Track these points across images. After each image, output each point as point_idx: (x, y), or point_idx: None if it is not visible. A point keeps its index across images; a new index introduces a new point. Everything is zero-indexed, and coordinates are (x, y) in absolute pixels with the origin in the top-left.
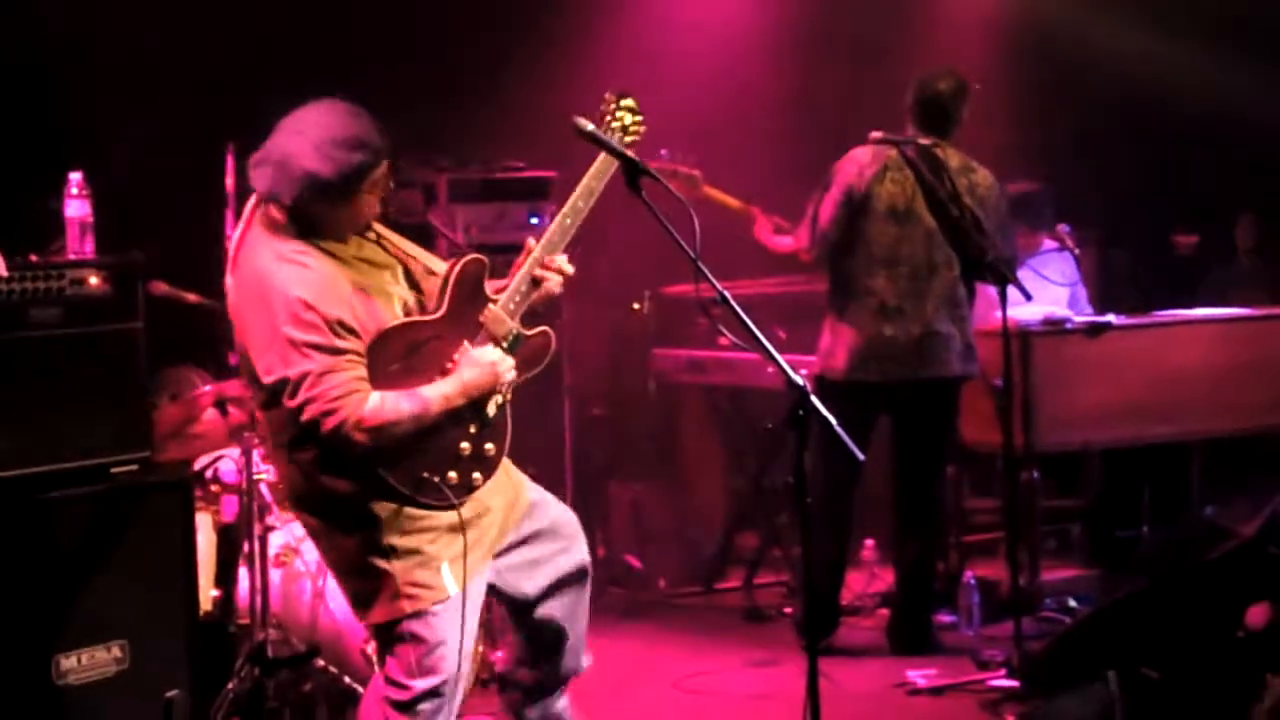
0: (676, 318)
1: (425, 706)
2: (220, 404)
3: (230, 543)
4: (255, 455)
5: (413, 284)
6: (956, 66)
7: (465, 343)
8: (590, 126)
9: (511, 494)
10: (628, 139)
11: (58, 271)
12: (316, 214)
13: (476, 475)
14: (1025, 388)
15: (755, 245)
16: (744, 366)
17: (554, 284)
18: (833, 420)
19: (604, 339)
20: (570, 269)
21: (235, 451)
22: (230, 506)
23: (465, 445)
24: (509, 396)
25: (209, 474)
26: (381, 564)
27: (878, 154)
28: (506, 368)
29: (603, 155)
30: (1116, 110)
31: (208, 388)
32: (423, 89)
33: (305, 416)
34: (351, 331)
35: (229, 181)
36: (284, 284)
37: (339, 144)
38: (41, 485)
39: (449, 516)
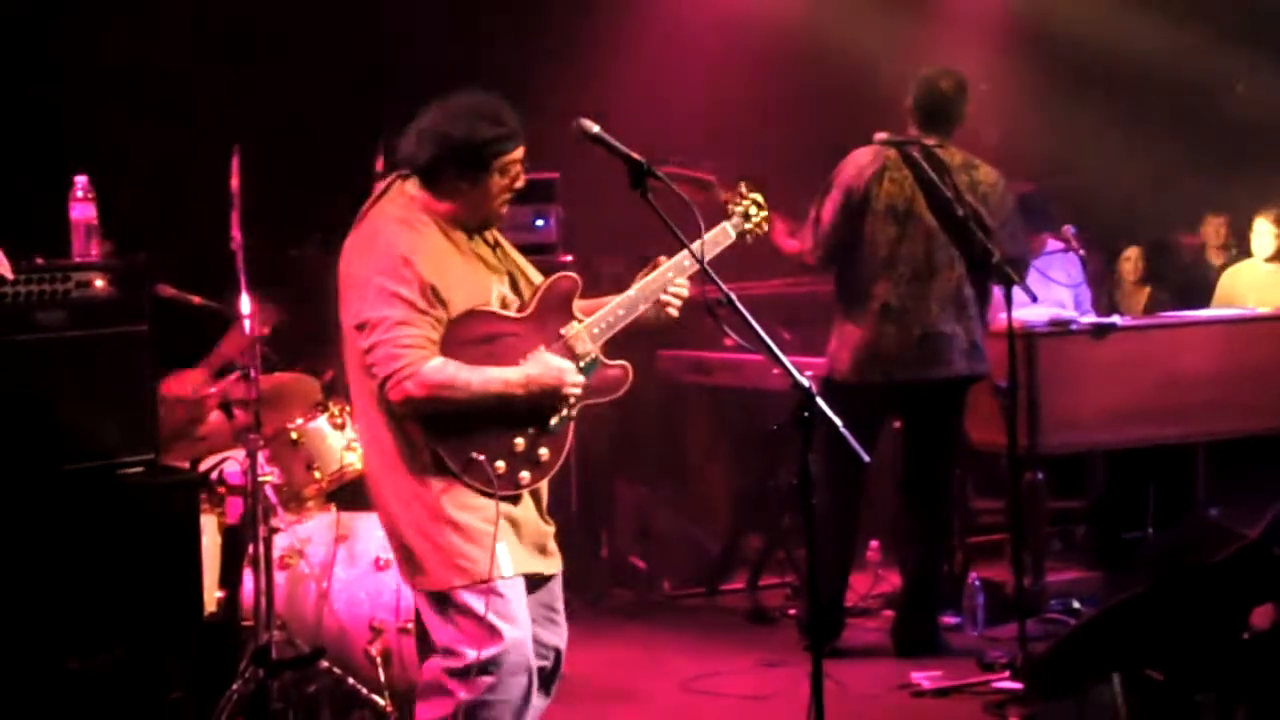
0: (682, 318)
1: (484, 680)
2: (225, 406)
3: (235, 544)
4: (260, 457)
5: (517, 293)
6: (955, 67)
7: (541, 347)
8: (595, 129)
9: (550, 543)
10: (747, 227)
11: (63, 274)
12: (446, 187)
13: (525, 474)
14: (1030, 389)
15: (761, 246)
16: (749, 368)
17: (674, 308)
18: (838, 421)
19: (609, 340)
20: (686, 291)
21: (240, 453)
22: (235, 508)
23: (520, 442)
24: (574, 414)
25: (214, 476)
26: (436, 533)
27: (877, 155)
28: (573, 380)
29: (722, 229)
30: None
31: (213, 390)
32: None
33: (370, 359)
34: (441, 302)
35: (234, 183)
36: (392, 240)
37: (476, 114)
38: (47, 487)
39: (503, 506)
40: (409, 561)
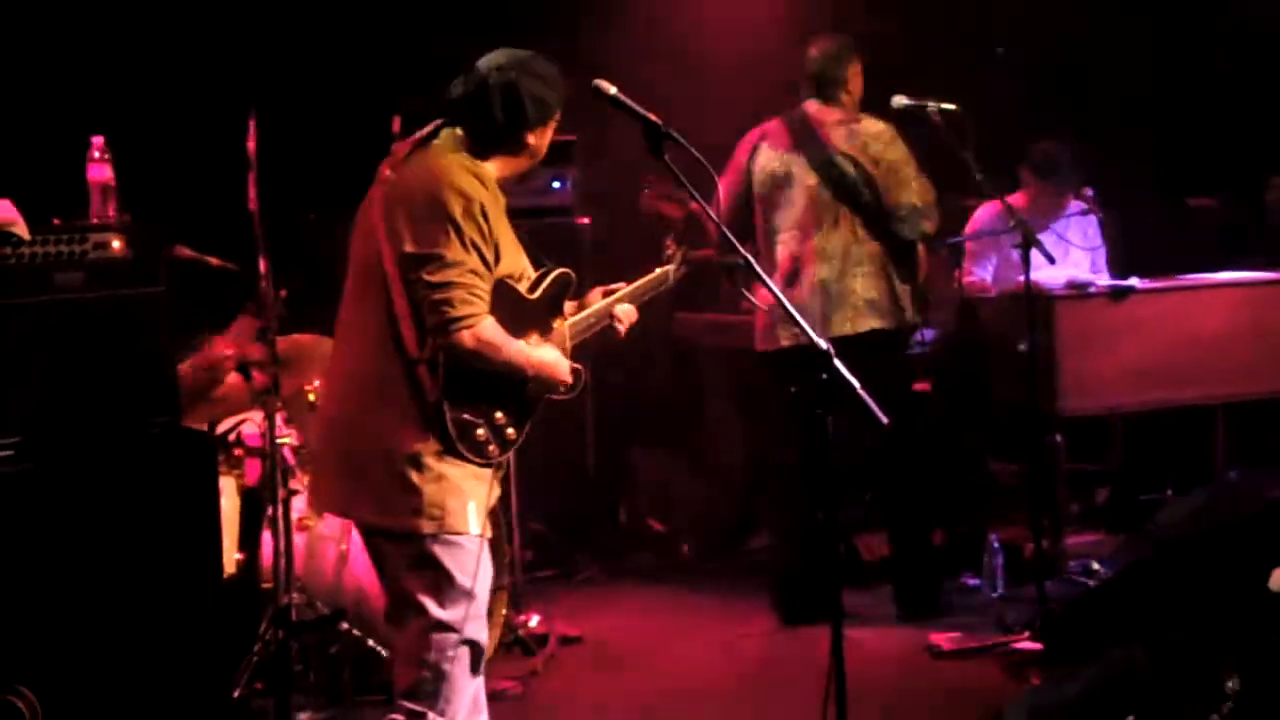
0: (699, 282)
1: (449, 636)
2: (243, 368)
3: (254, 506)
4: (278, 419)
5: None
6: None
7: (536, 335)
8: (612, 90)
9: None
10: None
11: (80, 236)
12: (513, 146)
13: (493, 448)
14: (1048, 352)
15: None
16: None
17: (624, 328)
18: (856, 384)
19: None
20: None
21: (258, 415)
22: (254, 470)
23: (500, 415)
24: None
25: (232, 438)
26: (415, 478)
27: (758, 129)
28: (566, 376)
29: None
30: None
31: (230, 351)
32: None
33: (438, 294)
34: (497, 261)
35: (251, 145)
36: (467, 187)
37: (553, 75)
38: (64, 449)
39: (479, 470)
40: (376, 497)
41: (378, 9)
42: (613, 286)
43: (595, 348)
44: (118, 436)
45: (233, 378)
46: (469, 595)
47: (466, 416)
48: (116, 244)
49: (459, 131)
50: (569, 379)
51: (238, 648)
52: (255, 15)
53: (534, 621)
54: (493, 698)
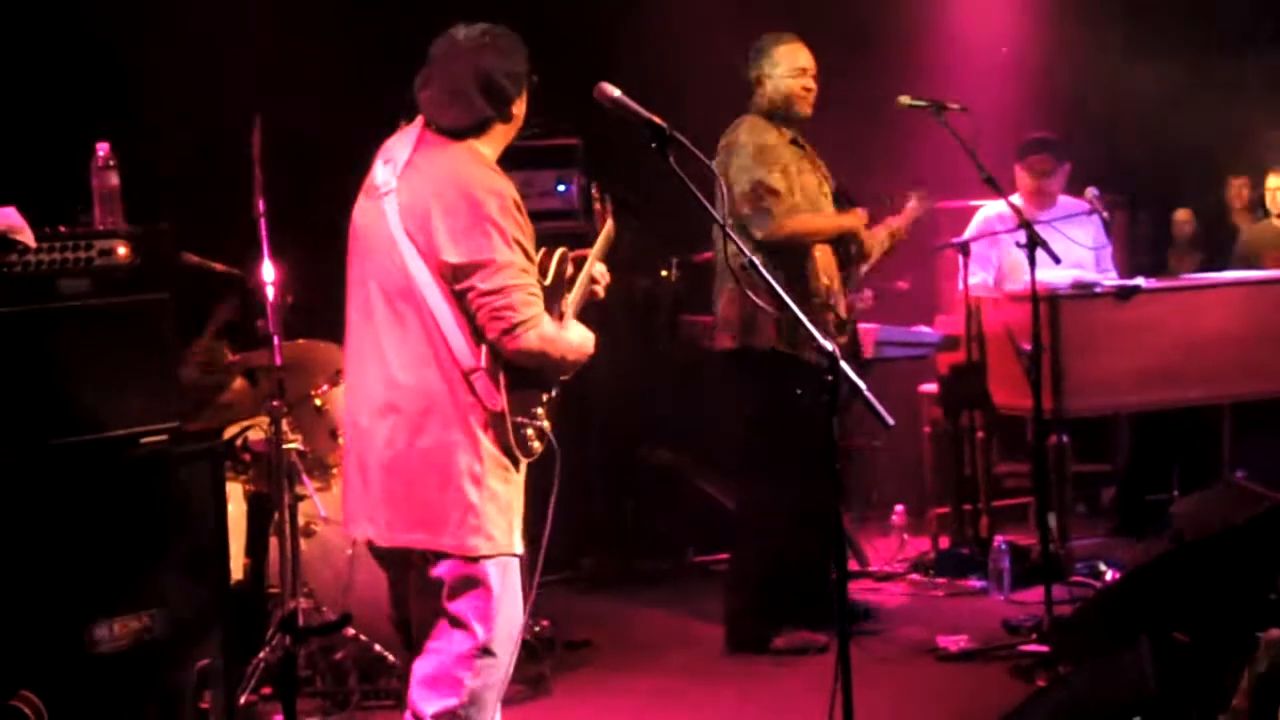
0: (705, 284)
1: (489, 661)
2: (249, 373)
3: (261, 511)
4: (284, 424)
5: None
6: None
7: (556, 319)
8: (616, 93)
9: None
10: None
11: (86, 242)
12: (505, 129)
13: (537, 444)
14: (1054, 351)
15: None
16: None
17: (602, 288)
18: (862, 385)
19: (632, 305)
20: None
21: (264, 421)
22: (260, 475)
23: (540, 411)
24: None
25: (238, 443)
26: (475, 496)
27: None
28: (591, 350)
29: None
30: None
31: (236, 358)
32: None
33: (498, 300)
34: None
35: (255, 151)
36: (495, 182)
37: (494, 50)
38: (72, 456)
39: (519, 476)
40: (431, 519)
41: (378, 9)
42: (580, 253)
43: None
44: (124, 443)
45: (239, 383)
46: (513, 618)
47: (520, 419)
48: (122, 250)
49: (449, 125)
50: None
51: (245, 653)
52: (261, 19)
53: (541, 625)
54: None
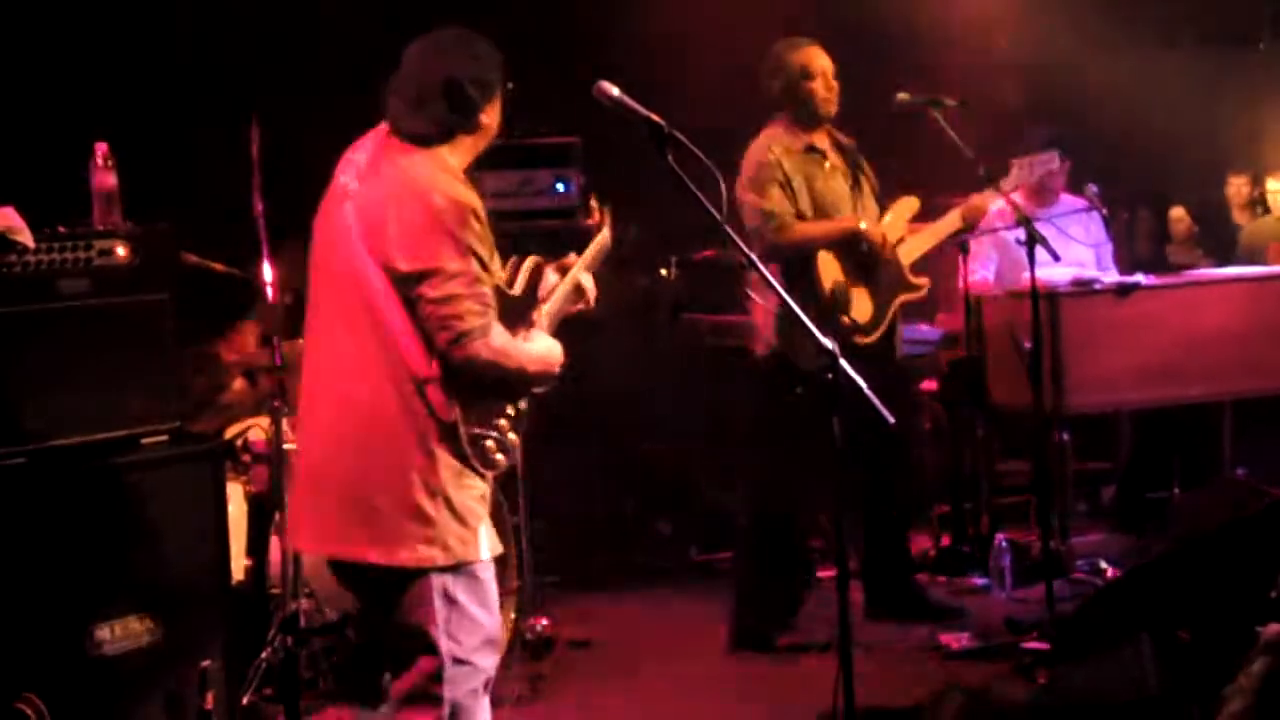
0: (704, 282)
1: (465, 670)
2: (249, 373)
3: (261, 512)
4: (284, 424)
5: None
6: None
7: (523, 329)
8: (615, 91)
9: None
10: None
11: (86, 243)
12: (446, 139)
13: (501, 457)
14: (1054, 349)
15: None
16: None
17: (591, 299)
18: (862, 383)
19: (633, 305)
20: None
21: (265, 421)
22: (260, 475)
23: (503, 422)
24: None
25: (239, 444)
26: (430, 507)
27: None
28: (559, 363)
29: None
30: None
31: (234, 358)
32: None
33: (447, 309)
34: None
35: (254, 150)
36: (454, 190)
37: (464, 54)
38: (72, 457)
39: (483, 484)
40: (386, 533)
41: (379, 11)
42: (564, 262)
43: (606, 350)
44: (125, 443)
45: (239, 384)
46: (484, 625)
47: (477, 430)
48: (122, 250)
49: (412, 132)
50: (560, 367)
51: (246, 654)
52: (255, 19)
53: (541, 624)
54: (500, 702)
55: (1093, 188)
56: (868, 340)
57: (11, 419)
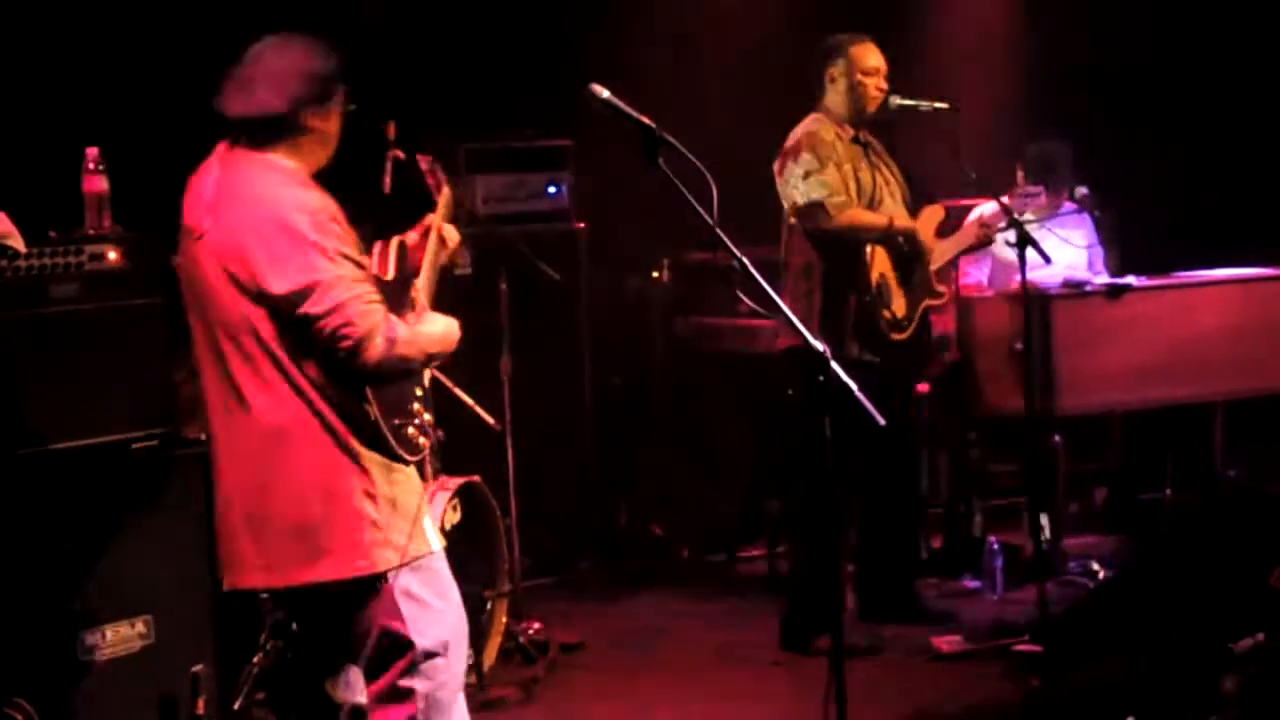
0: (697, 285)
1: (436, 663)
2: None
3: None
4: None
5: None
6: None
7: (410, 312)
8: (605, 93)
9: None
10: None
11: (77, 247)
12: (270, 139)
13: (422, 440)
14: (1046, 351)
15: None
16: (764, 334)
17: (454, 249)
18: (853, 385)
19: (624, 307)
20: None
21: None
22: None
23: (416, 405)
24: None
25: None
26: (371, 511)
27: None
28: (457, 337)
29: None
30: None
31: None
32: (441, 58)
33: (334, 319)
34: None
35: None
36: (305, 200)
37: (292, 49)
38: (63, 461)
39: (415, 475)
40: (334, 548)
41: (369, 16)
42: (423, 223)
43: (597, 352)
44: (115, 448)
45: None
46: (445, 615)
47: (397, 421)
48: (113, 255)
49: (244, 115)
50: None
51: (237, 658)
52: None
53: (534, 628)
54: (493, 705)
55: (1083, 190)
56: (901, 337)
57: (2, 423)
